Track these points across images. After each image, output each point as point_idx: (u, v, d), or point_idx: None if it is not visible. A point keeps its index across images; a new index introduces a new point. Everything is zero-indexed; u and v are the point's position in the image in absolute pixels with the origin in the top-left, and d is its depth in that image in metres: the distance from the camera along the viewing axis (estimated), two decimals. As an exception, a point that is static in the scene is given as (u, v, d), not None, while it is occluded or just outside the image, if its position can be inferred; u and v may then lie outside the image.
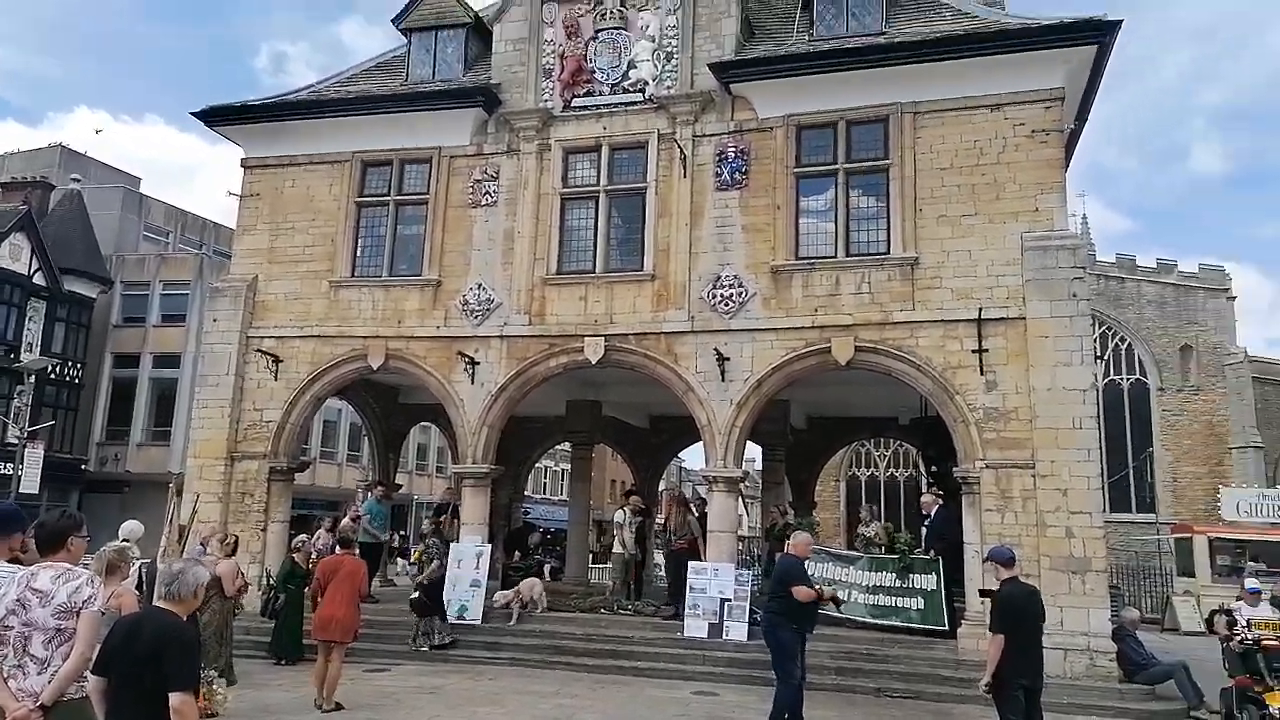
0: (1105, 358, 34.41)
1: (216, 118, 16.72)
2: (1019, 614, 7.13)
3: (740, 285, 13.82)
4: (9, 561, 4.66)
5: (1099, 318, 31.91)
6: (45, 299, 31.71)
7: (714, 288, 13.92)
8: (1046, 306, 12.24)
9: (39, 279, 31.33)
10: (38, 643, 4.20)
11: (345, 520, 15.53)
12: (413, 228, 15.84)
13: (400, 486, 22.31)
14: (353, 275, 15.71)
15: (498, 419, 14.73)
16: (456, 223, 15.35)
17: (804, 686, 8.60)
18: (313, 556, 12.40)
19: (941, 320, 12.74)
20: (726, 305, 13.85)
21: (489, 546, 14.38)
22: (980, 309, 12.50)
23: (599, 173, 14.98)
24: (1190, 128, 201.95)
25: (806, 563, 13.10)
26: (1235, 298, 35.43)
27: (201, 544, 11.36)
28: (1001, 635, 6.98)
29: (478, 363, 14.68)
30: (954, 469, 12.80)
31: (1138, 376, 35.08)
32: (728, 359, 13.54)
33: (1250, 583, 11.59)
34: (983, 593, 8.76)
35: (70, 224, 33.57)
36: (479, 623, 13.38)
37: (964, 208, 12.98)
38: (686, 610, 12.94)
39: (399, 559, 19.23)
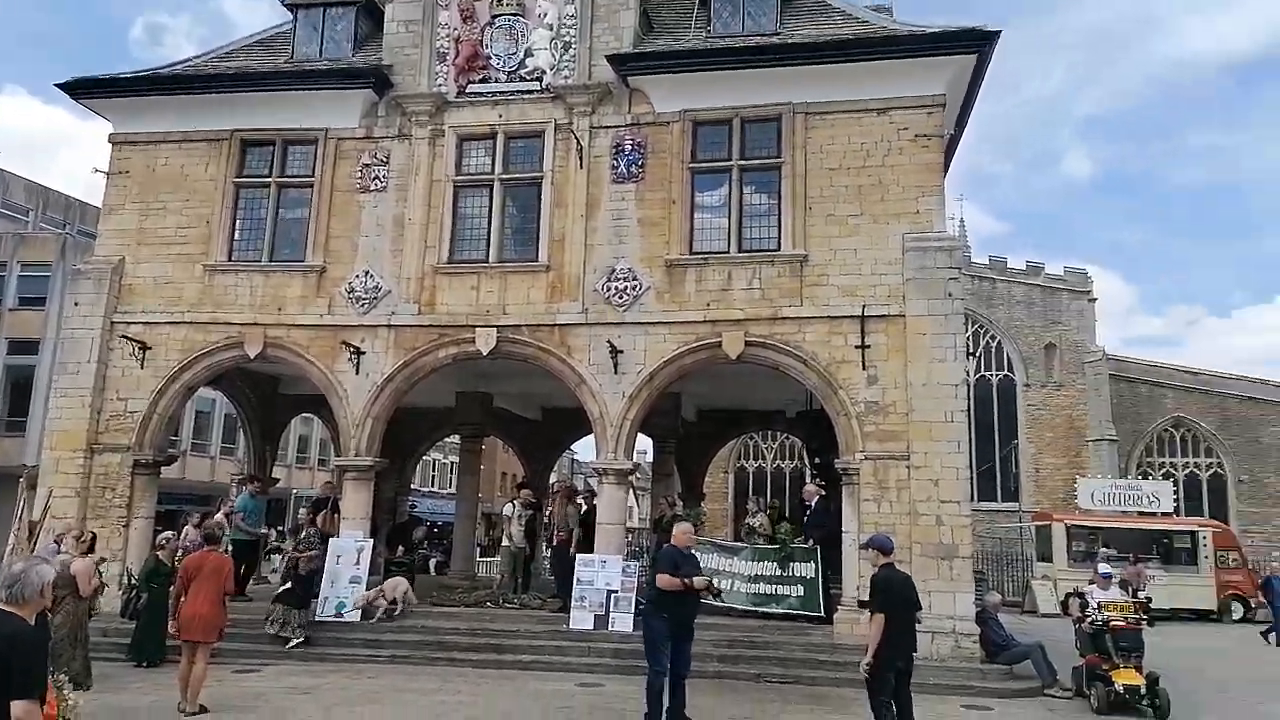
0: (977, 354, 36.20)
1: (83, 90, 15.66)
2: (896, 597, 7.39)
3: (635, 278, 13.88)
4: None
5: (972, 316, 33.52)
6: (-118, 277, 29.05)
7: (609, 280, 13.93)
8: (924, 305, 12.77)
9: (-125, 254, 28.67)
10: None
11: (217, 516, 14.83)
12: (296, 211, 15.24)
13: (278, 480, 21.50)
14: (230, 259, 15.00)
15: (383, 410, 14.35)
16: (343, 208, 14.85)
17: (686, 676, 8.53)
18: (179, 554, 11.77)
19: (828, 316, 13.13)
20: (621, 298, 13.88)
21: (370, 542, 13.98)
22: (864, 306, 12.93)
23: (494, 161, 14.75)
24: (1061, 135, 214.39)
25: (697, 553, 13.42)
26: (1096, 299, 37.81)
27: (56, 541, 10.64)
28: (882, 615, 7.19)
29: (363, 353, 14.25)
30: (836, 460, 13.22)
31: (1006, 373, 37.05)
32: (621, 352, 13.58)
33: (1102, 567, 12.41)
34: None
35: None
36: (358, 620, 13.02)
37: (850, 208, 13.40)
38: (573, 603, 12.93)
39: (274, 556, 18.45)
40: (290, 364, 14.92)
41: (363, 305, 14.46)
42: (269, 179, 15.20)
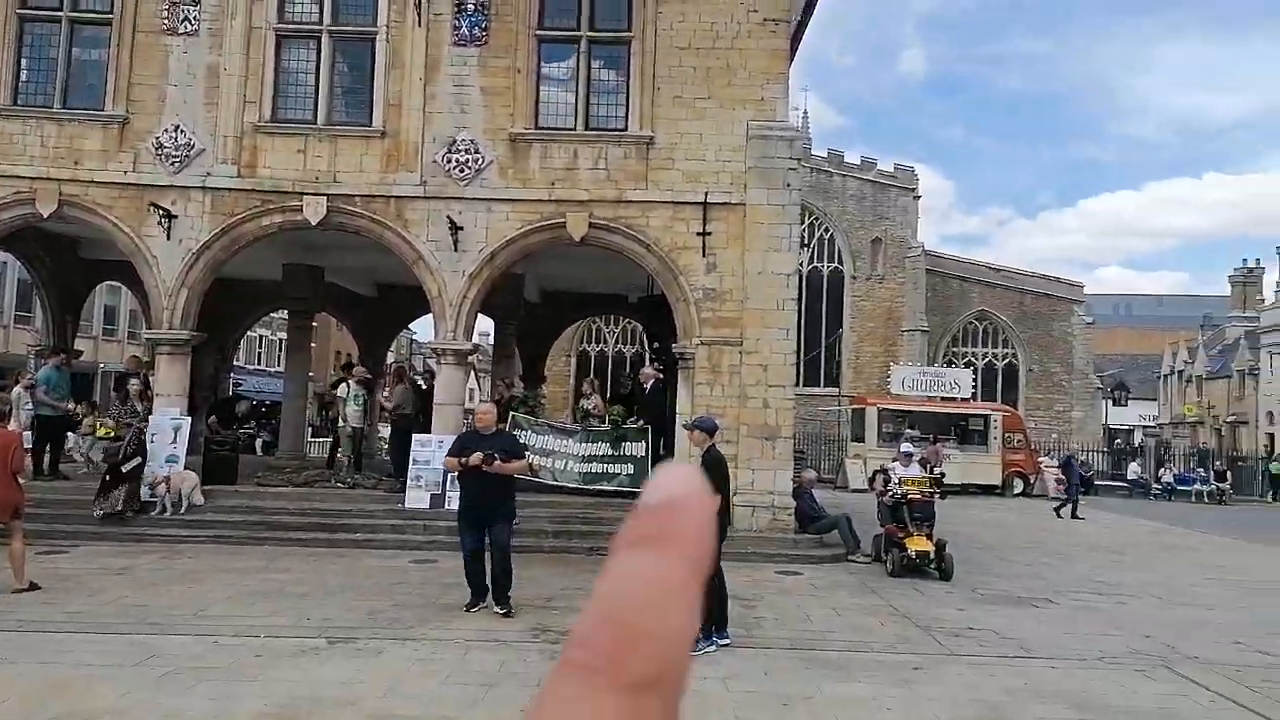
0: (810, 246, 37.62)
1: None
2: (723, 477, 7.69)
3: (477, 151, 13.34)
4: None
5: (808, 208, 34.60)
6: None
7: (449, 152, 13.33)
8: (764, 194, 13.00)
9: None
10: None
11: (15, 389, 13.57)
12: (92, 52, 13.60)
13: (82, 353, 19.82)
14: (14, 104, 13.33)
15: (199, 281, 13.36)
16: (148, 51, 13.32)
17: (499, 551, 8.15)
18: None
19: (672, 202, 13.16)
20: (462, 171, 13.34)
21: (188, 419, 13.23)
22: (707, 193, 13.03)
23: (321, 10, 13.56)
24: (902, 31, 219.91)
25: (533, 434, 13.57)
26: (920, 196, 39.89)
27: None
28: (720, 496, 7.44)
29: (175, 216, 13.11)
30: (673, 345, 13.54)
31: (836, 264, 38.80)
32: (461, 229, 13.15)
33: (904, 446, 13.51)
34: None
35: None
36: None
37: (698, 90, 13.28)
38: (409, 482, 12.86)
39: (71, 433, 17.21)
40: (91, 225, 13.55)
41: (173, 164, 13.20)
42: (60, 12, 13.42)
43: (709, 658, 6.90)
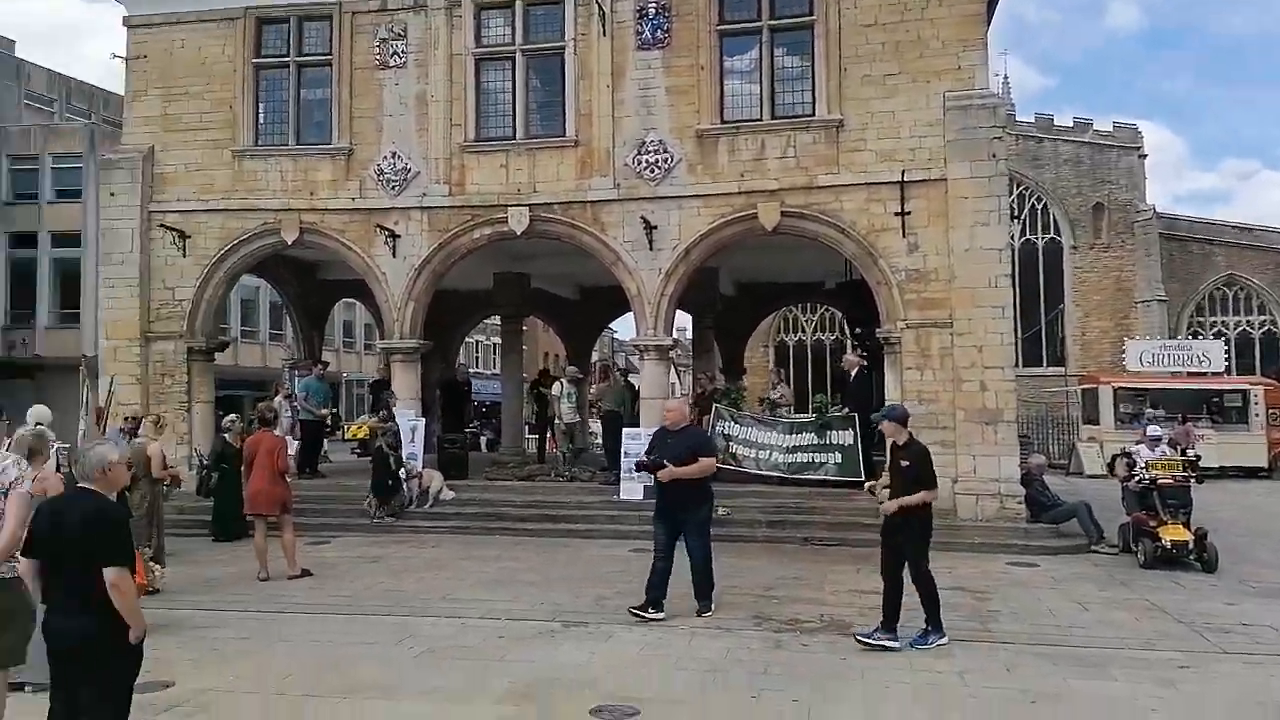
0: (1022, 217, 35.26)
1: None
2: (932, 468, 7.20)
3: (665, 150, 13.58)
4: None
5: (1017, 178, 32.47)
6: (-79, 177, 29.35)
7: (639, 154, 13.65)
8: (966, 167, 12.37)
9: (-88, 155, 28.89)
10: (-36, 524, 4.13)
11: (277, 399, 15.32)
12: (318, 92, 14.98)
13: (328, 364, 21.97)
14: (256, 144, 14.89)
15: (423, 293, 14.47)
16: (364, 86, 14.55)
17: (693, 557, 7.92)
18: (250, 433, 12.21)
19: (865, 183, 12.81)
20: (652, 172, 13.63)
21: (422, 421, 14.41)
22: (903, 171, 12.57)
23: (514, 31, 14.27)
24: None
25: (731, 425, 13.65)
26: (1146, 155, 36.36)
27: (129, 427, 11.05)
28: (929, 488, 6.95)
29: (398, 235, 14.26)
30: (877, 330, 13.17)
31: (1052, 235, 36.14)
32: (655, 227, 13.44)
33: (1150, 428, 12.40)
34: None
35: (-61, 94, 30.76)
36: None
37: (888, 66, 12.84)
38: (622, 474, 13.30)
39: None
40: (328, 249, 15.00)
41: (393, 187, 14.37)
42: (288, 59, 14.88)
43: (940, 651, 6.69)
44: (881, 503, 7.28)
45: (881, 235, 12.72)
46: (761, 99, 13.41)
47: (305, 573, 9.39)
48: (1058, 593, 9.02)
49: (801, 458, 13.47)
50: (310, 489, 13.65)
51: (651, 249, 13.52)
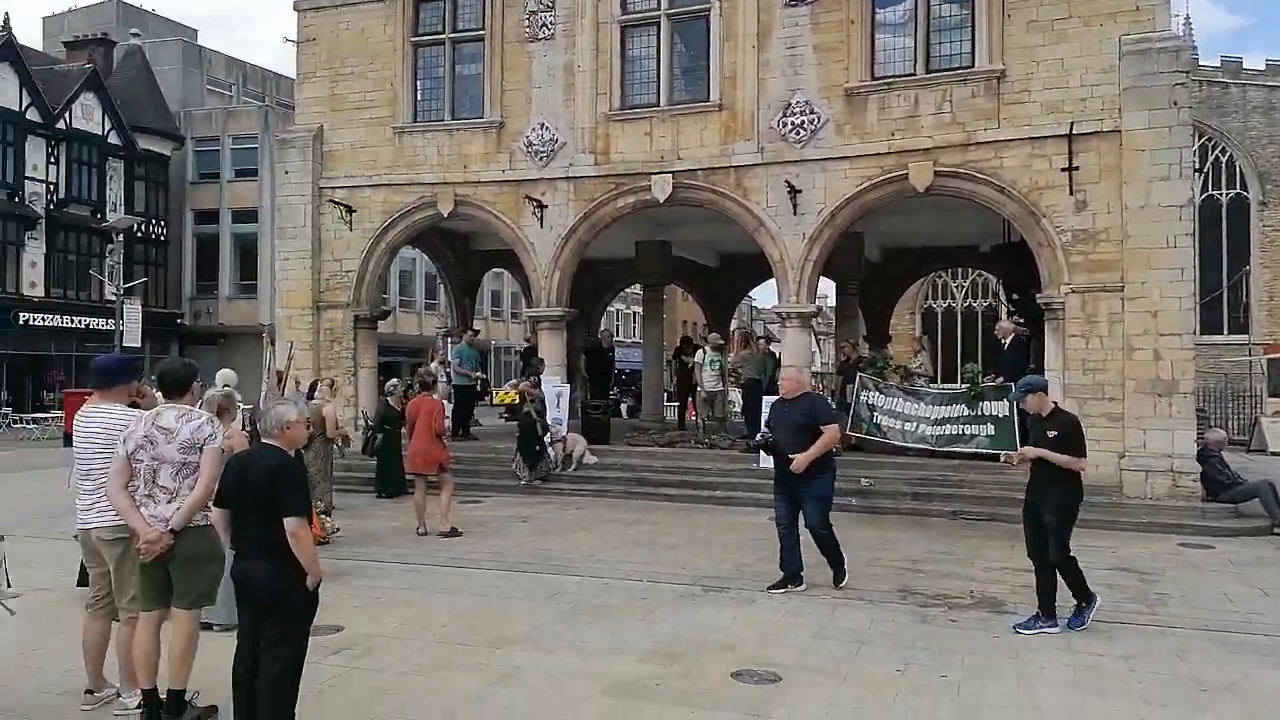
0: (1203, 171, 32.34)
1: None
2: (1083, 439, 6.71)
3: (812, 111, 13.24)
4: (129, 405, 5.02)
5: (1198, 128, 29.74)
6: (122, 158, 32.39)
7: (784, 116, 13.38)
8: (1144, 117, 11.43)
9: (114, 138, 31.89)
10: (165, 475, 4.58)
11: (433, 364, 16.10)
12: (471, 67, 15.46)
13: (479, 331, 22.87)
14: (415, 120, 15.53)
15: (568, 262, 14.78)
16: (515, 59, 14.88)
17: (811, 526, 7.57)
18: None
19: (1029, 138, 12.08)
20: (798, 134, 13.33)
21: (567, 387, 14.80)
22: (1072, 123, 11.76)
23: (659, -5, 14.21)
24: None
25: (875, 394, 13.24)
26: (1356, 100, 32.52)
27: (308, 387, 11.87)
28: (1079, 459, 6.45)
29: (545, 206, 14.59)
30: (1037, 296, 12.46)
31: (1238, 191, 32.98)
32: (799, 191, 13.17)
33: (1350, 401, 11.22)
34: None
35: (136, 81, 33.73)
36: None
37: (1057, 10, 11.99)
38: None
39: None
40: (480, 220, 15.55)
41: (540, 158, 14.68)
42: (443, 35, 15.42)
43: (1098, 631, 6.33)
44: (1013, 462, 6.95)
45: (1045, 193, 11.97)
46: (915, 52, 12.84)
47: (454, 531, 9.83)
48: (1236, 577, 8.34)
49: (951, 430, 12.92)
50: (462, 451, 14.28)
51: (795, 214, 13.27)
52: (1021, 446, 7.21)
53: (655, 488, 12.88)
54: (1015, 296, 17.07)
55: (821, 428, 7.41)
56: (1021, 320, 13.88)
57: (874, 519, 11.11)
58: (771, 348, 15.44)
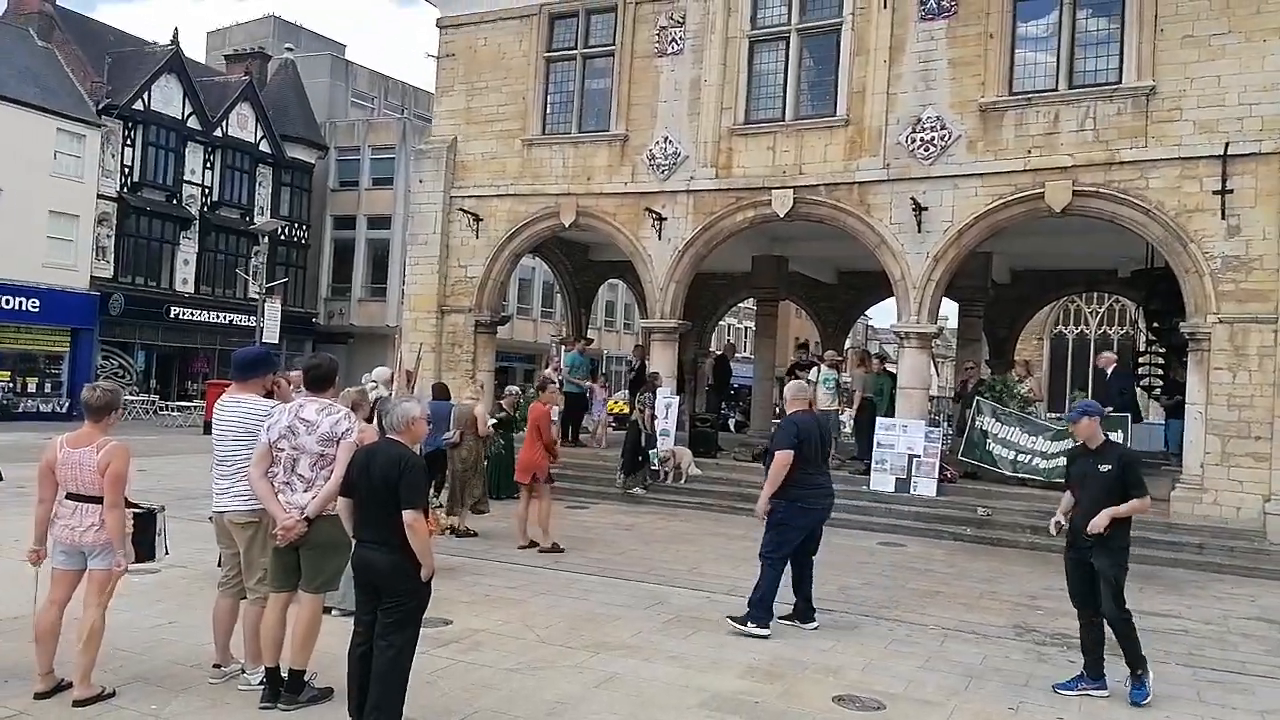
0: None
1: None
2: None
3: (943, 127, 12.89)
4: (264, 396, 5.33)
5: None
6: (271, 165, 34.52)
7: (913, 131, 13.07)
8: (1310, 138, 10.61)
9: (264, 146, 34.03)
10: (304, 464, 4.84)
11: (545, 371, 16.44)
12: (600, 82, 15.77)
13: (592, 340, 23.20)
14: (543, 133, 15.95)
15: (684, 275, 14.84)
16: (642, 74, 15.10)
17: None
18: (519, 403, 13.16)
19: (1179, 158, 11.41)
20: (926, 150, 12.99)
21: (677, 399, 14.82)
22: (1227, 144, 11.03)
23: (790, 11, 14.15)
24: None
25: (990, 420, 12.67)
26: None
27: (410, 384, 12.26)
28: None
29: (665, 219, 14.71)
30: (1180, 324, 11.72)
31: None
32: (925, 209, 12.84)
33: None
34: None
35: (287, 93, 35.91)
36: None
37: (1215, 25, 11.30)
38: (874, 465, 12.92)
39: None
40: (599, 231, 15.81)
41: (663, 171, 14.82)
42: (575, 51, 15.79)
43: (1233, 684, 5.87)
44: (1062, 527, 5.93)
45: (1194, 216, 11.27)
46: (1058, 67, 12.34)
47: (556, 548, 9.43)
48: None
49: (1063, 463, 12.24)
50: (571, 457, 14.50)
51: (920, 231, 12.93)
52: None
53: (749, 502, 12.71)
54: (1156, 325, 16.11)
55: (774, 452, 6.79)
56: (1163, 350, 13.10)
57: (992, 551, 10.68)
58: (888, 368, 15.03)
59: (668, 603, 7.50)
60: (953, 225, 12.78)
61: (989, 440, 12.76)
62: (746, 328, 51.51)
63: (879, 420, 13.28)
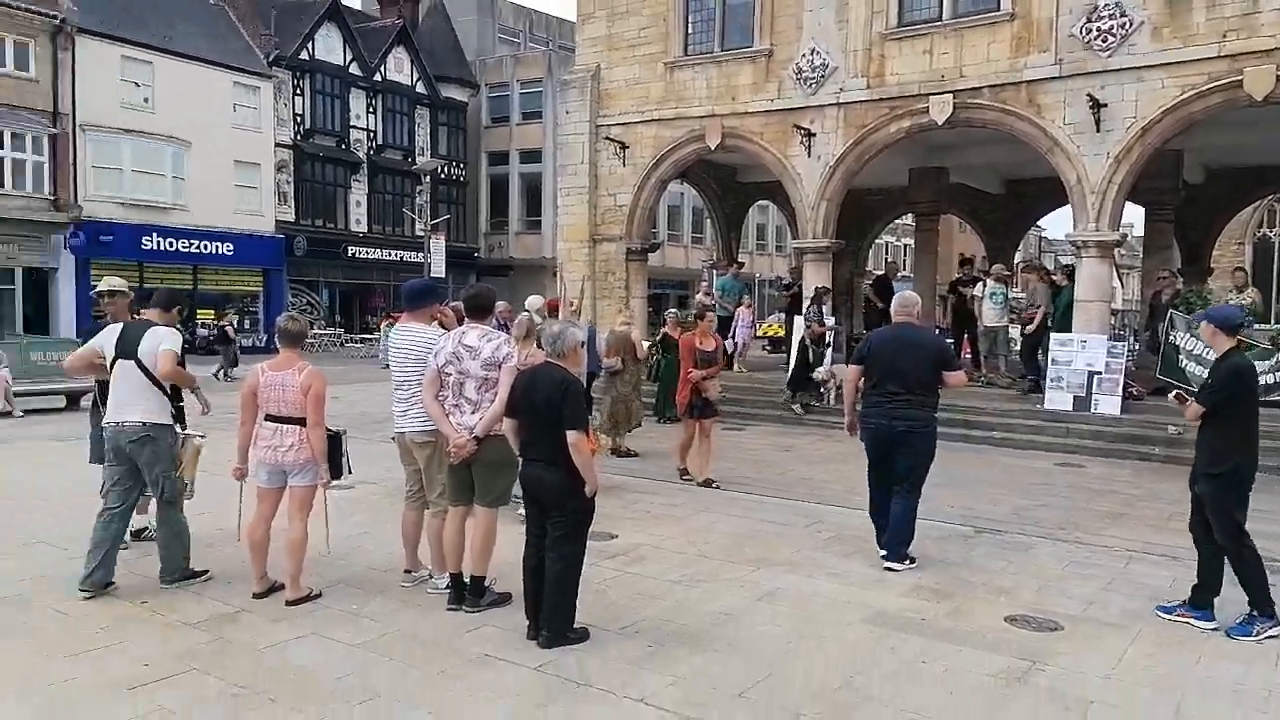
0: None
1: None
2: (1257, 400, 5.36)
3: (1122, 15, 11.75)
4: (434, 324, 5.66)
5: None
6: (427, 106, 35.73)
7: (1088, 22, 11.98)
8: None
9: (420, 88, 35.21)
10: (470, 388, 5.11)
11: (698, 297, 16.47)
12: (740, -4, 15.26)
13: (743, 264, 22.96)
14: (685, 54, 15.67)
15: (835, 192, 14.37)
16: (788, -18, 14.47)
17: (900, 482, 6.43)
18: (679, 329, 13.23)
19: None
20: (1104, 41, 11.89)
21: (833, 319, 14.52)
22: None
23: (951, -106, 13.13)
24: None
25: (1184, 335, 11.67)
26: None
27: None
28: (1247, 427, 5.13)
29: (813, 134, 14.23)
30: None
31: None
32: (1104, 106, 11.83)
33: None
34: None
35: (438, 33, 36.86)
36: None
37: None
38: (1048, 383, 12.26)
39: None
40: (746, 152, 15.49)
41: (810, 85, 14.27)
42: (715, -37, 15.31)
43: None
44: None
45: None
46: (1266, -71, 10.91)
47: (709, 483, 9.00)
48: None
49: (1268, 379, 11.16)
50: (726, 381, 14.52)
51: (1098, 131, 11.95)
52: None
53: (923, 426, 12.37)
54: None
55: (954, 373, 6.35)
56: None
57: (1183, 471, 9.90)
58: (1063, 280, 14.09)
59: (827, 521, 7.50)
60: (1136, 122, 11.73)
61: (1181, 357, 11.82)
62: (906, 245, 49.51)
63: (1054, 336, 12.54)
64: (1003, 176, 19.32)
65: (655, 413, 13.16)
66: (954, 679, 4.36)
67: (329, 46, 32.22)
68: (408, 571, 5.68)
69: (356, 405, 14.19)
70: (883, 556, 6.23)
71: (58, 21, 24.58)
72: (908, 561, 6.21)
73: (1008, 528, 7.36)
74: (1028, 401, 12.50)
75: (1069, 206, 12.78)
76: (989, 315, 14.44)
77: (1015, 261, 21.75)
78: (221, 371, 19.88)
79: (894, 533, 6.24)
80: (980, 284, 15.05)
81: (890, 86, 13.64)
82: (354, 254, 33.47)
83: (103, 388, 5.80)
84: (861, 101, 13.89)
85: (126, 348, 5.43)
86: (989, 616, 5.25)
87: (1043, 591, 5.76)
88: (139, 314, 6.11)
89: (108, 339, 5.55)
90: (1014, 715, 4.03)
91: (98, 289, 6.37)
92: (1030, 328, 13.32)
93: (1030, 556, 6.58)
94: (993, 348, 14.67)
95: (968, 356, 16.56)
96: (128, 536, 5.92)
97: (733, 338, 16.25)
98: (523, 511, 5.02)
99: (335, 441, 5.39)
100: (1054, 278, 13.72)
